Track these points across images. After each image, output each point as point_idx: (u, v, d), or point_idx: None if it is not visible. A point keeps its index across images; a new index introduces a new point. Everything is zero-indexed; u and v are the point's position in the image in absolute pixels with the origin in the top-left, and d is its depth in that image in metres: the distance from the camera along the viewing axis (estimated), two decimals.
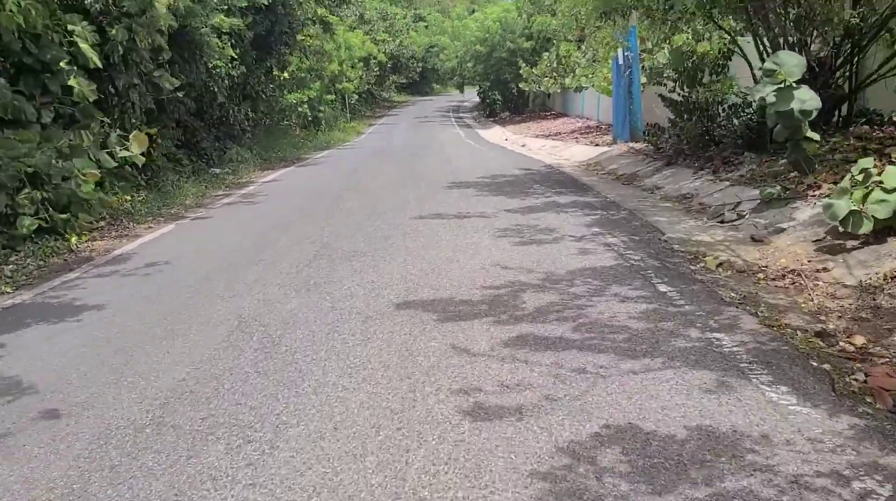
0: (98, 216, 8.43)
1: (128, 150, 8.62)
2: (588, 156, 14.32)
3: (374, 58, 39.89)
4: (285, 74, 22.99)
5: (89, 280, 6.35)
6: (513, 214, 8.07)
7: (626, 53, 15.43)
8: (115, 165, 8.68)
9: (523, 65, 25.45)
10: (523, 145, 19.36)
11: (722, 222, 7.13)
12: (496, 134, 24.41)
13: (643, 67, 15.81)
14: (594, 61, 19.91)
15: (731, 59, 10.12)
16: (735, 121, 10.14)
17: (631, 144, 14.89)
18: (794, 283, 5.32)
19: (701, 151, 10.30)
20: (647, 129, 14.07)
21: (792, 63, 6.56)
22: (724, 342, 3.84)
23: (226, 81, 14.40)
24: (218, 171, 14.95)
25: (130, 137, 8.77)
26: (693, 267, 5.60)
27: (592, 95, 21.60)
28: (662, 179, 9.94)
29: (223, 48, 13.25)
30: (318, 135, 24.98)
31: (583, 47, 21.67)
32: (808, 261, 5.76)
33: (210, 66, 13.50)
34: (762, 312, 4.49)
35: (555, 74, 23.36)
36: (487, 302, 4.80)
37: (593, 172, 12.09)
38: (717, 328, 4.07)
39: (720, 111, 10.25)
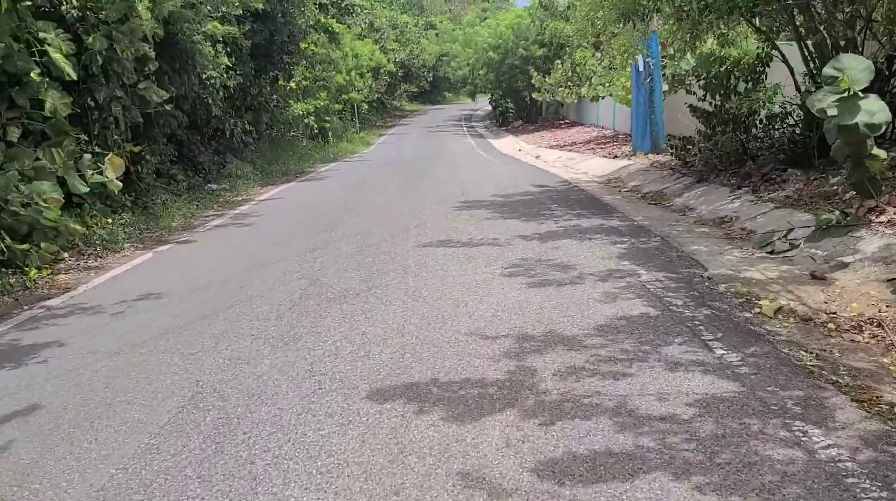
0: (66, 245, 7.59)
1: (101, 174, 7.76)
2: (607, 170, 13.37)
3: (384, 67, 39.13)
4: (291, 84, 22.26)
5: (34, 328, 5.47)
6: (529, 241, 7.14)
7: (646, 60, 14.49)
8: (87, 190, 7.83)
9: (535, 74, 24.54)
10: (537, 157, 18.43)
11: (772, 252, 6.17)
12: (509, 144, 23.50)
13: (664, 74, 14.87)
14: (611, 69, 18.98)
15: (769, 65, 9.15)
16: (775, 133, 9.17)
17: (652, 157, 13.94)
18: (874, 337, 4.35)
19: (735, 167, 9.33)
20: (673, 141, 13.13)
21: (858, 68, 5.59)
22: (820, 446, 2.86)
23: (221, 92, 13.58)
24: (215, 187, 14.15)
25: (106, 160, 7.91)
26: (747, 314, 4.64)
27: (608, 103, 20.64)
28: (694, 198, 8.97)
29: (216, 57, 12.44)
30: (325, 146, 24.19)
31: (598, 55, 20.75)
32: (887, 306, 4.78)
33: (204, 76, 12.71)
34: (845, 380, 3.55)
35: (569, 83, 22.42)
36: (500, 377, 3.80)
37: (615, 189, 11.13)
38: (802, 416, 3.12)
39: (757, 123, 9.27)
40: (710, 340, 4.11)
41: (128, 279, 6.89)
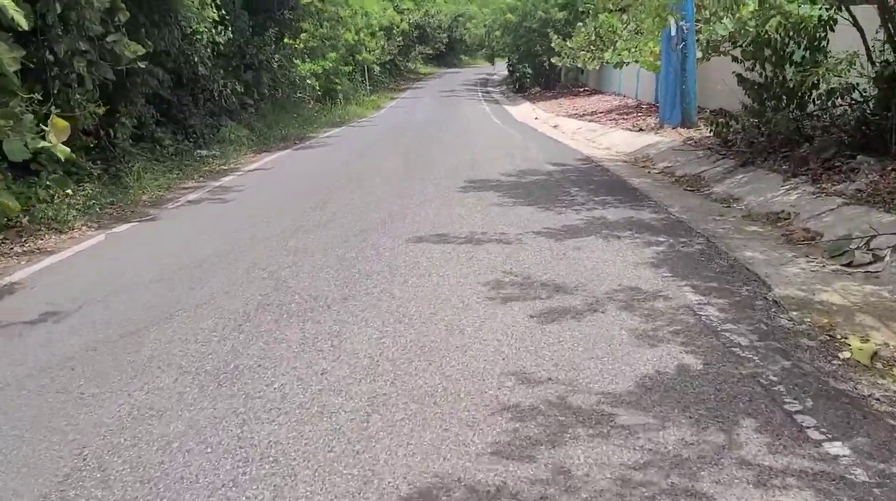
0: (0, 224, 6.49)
1: (44, 139, 6.61)
2: (633, 146, 12.04)
3: (397, 27, 37.41)
4: (298, 43, 20.87)
5: None
6: (544, 239, 5.93)
7: (679, 23, 13.00)
8: (28, 157, 6.69)
9: (555, 37, 22.96)
10: (555, 126, 17.08)
11: (849, 264, 4.94)
12: (525, 111, 22.08)
13: (698, 39, 13.40)
14: (637, 33, 17.43)
15: (832, 30, 7.77)
16: (835, 111, 7.84)
17: (683, 132, 12.58)
18: None
19: (787, 150, 8.02)
20: (706, 114, 11.79)
21: None
22: None
23: (209, 49, 12.31)
24: (205, 153, 12.98)
25: (49, 122, 6.75)
26: (835, 363, 3.46)
27: (630, 70, 19.12)
28: (739, 185, 7.69)
29: (202, 9, 11.15)
30: (332, 109, 22.86)
31: (624, 17, 19.15)
32: None
33: (188, 31, 11.45)
34: None
35: (592, 47, 20.82)
36: (506, 483, 2.71)
37: (643, 169, 9.84)
38: None
39: (814, 98, 7.93)
40: (798, 412, 2.93)
41: (63, 271, 5.78)
